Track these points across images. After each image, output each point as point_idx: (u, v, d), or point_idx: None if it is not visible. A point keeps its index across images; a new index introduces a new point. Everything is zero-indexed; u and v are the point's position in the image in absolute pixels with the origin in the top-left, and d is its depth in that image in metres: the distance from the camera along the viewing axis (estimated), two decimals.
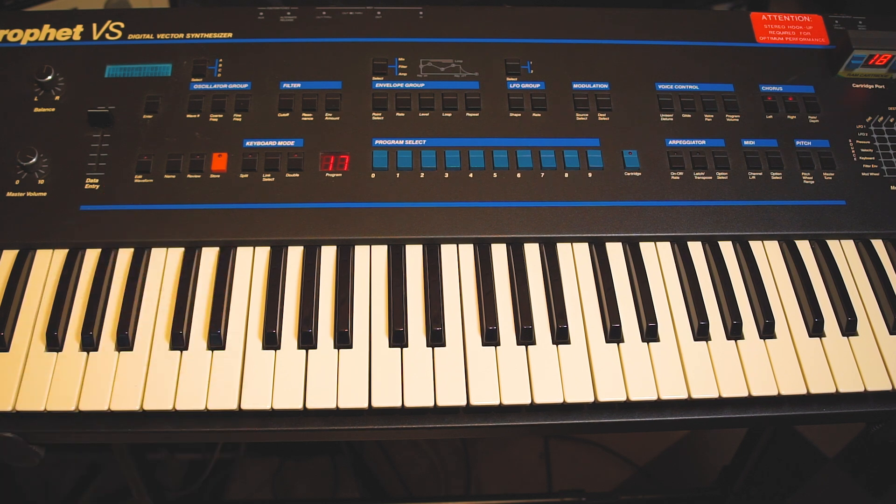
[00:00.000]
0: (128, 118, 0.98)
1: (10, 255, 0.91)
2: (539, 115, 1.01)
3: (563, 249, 0.94)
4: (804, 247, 0.97)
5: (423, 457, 1.88)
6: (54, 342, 0.85)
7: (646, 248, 0.95)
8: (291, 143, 0.97)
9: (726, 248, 0.96)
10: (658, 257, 0.95)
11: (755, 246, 0.96)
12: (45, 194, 0.93)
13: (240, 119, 0.99)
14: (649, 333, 0.88)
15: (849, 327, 0.91)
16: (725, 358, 0.88)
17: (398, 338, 0.87)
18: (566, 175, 0.97)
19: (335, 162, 0.96)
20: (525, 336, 0.87)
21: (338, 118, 0.99)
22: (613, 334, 0.88)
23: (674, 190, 0.97)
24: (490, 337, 0.87)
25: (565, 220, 0.94)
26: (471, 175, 0.96)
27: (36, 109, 0.98)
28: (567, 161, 0.97)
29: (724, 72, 1.06)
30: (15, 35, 1.04)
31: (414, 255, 0.93)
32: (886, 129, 1.03)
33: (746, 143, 1.01)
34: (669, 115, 1.02)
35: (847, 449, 1.90)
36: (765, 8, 2.39)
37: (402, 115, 1.00)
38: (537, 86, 1.03)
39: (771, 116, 1.03)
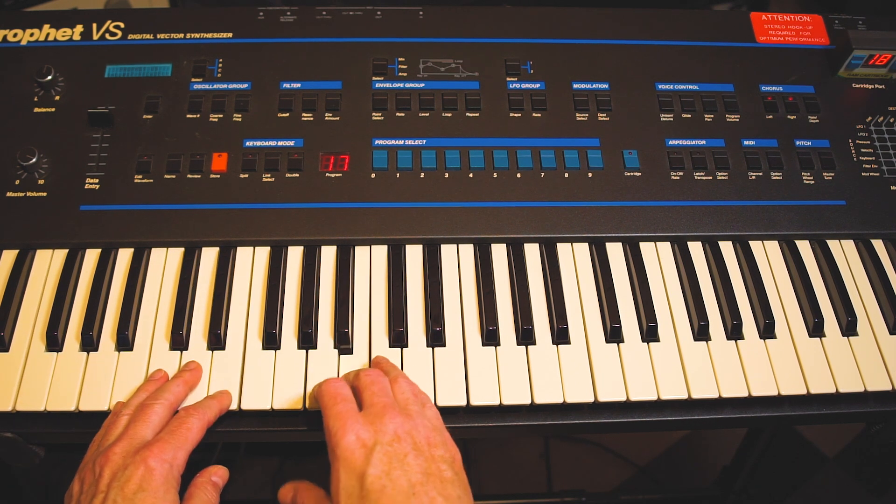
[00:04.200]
0: (128, 118, 0.98)
1: (10, 255, 0.91)
2: (539, 115, 1.01)
3: (563, 249, 0.94)
4: (804, 247, 0.97)
5: None
6: (54, 342, 0.85)
7: (646, 248, 0.95)
8: (291, 143, 0.97)
9: (726, 248, 0.96)
10: (658, 257, 0.95)
11: (755, 246, 0.96)
12: (45, 194, 0.93)
13: (240, 119, 0.99)
14: (649, 333, 0.88)
15: (849, 327, 0.90)
16: (725, 358, 0.88)
17: (398, 338, 0.87)
18: (566, 175, 0.97)
19: (335, 162, 0.96)
20: (525, 336, 0.87)
21: (338, 118, 0.99)
22: (613, 334, 0.88)
23: (674, 190, 0.97)
24: (490, 337, 0.87)
25: (565, 220, 0.94)
26: (471, 175, 0.96)
27: (36, 109, 0.98)
28: (567, 161, 0.97)
29: (724, 72, 1.06)
30: (15, 35, 1.04)
31: (414, 256, 0.93)
32: (886, 129, 1.03)
33: (746, 143, 1.01)
34: (669, 115, 1.02)
35: (847, 449, 1.90)
36: (765, 8, 2.40)
37: (402, 115, 1.00)
38: (537, 86, 1.03)
39: (771, 116, 1.03)
